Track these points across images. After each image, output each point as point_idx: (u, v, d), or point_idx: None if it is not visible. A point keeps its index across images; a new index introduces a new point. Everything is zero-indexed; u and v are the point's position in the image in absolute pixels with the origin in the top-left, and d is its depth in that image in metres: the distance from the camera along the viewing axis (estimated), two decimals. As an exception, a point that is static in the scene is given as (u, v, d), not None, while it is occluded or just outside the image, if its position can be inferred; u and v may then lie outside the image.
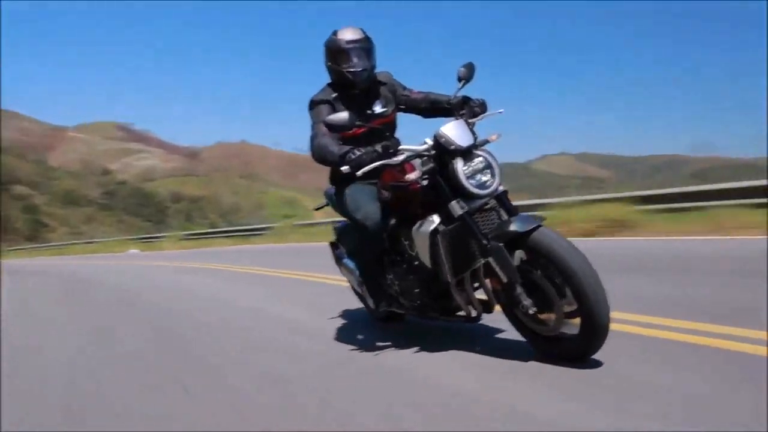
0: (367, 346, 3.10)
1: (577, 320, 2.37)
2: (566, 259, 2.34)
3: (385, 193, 2.93)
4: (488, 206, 2.66)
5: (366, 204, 2.99)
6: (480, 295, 2.78)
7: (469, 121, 2.79)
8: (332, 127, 2.73)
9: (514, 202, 2.72)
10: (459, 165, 2.59)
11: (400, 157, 2.75)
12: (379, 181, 2.95)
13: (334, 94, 3.06)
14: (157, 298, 6.56)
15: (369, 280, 3.19)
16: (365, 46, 3.01)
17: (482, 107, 2.88)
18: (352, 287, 3.64)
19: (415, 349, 2.92)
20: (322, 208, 3.62)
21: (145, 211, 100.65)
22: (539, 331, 2.55)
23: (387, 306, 3.16)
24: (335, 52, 3.01)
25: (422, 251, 2.77)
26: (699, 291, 3.86)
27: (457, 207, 2.59)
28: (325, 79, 3.15)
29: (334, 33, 3.03)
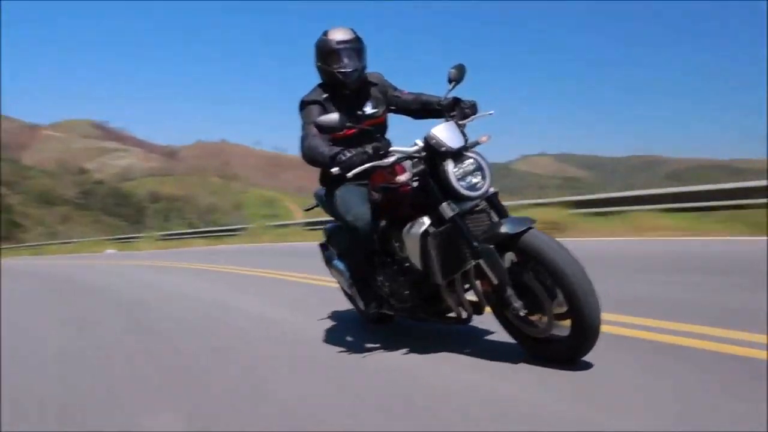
0: (357, 347, 3.09)
1: (568, 322, 2.39)
2: (557, 261, 2.35)
3: (376, 195, 2.92)
4: (479, 208, 2.66)
5: (356, 205, 2.98)
6: (470, 296, 2.78)
7: (460, 122, 2.79)
8: (323, 129, 2.71)
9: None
10: (450, 167, 2.59)
11: (391, 159, 2.74)
12: (369, 182, 2.95)
13: (325, 95, 3.04)
14: (148, 297, 6.48)
15: (359, 282, 3.19)
16: (356, 47, 3.00)
17: (473, 109, 2.89)
18: (342, 288, 3.63)
19: (405, 350, 2.91)
20: (312, 209, 3.60)
21: (123, 211, 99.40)
22: (530, 332, 2.56)
23: (377, 307, 3.15)
24: (326, 53, 2.99)
25: (413, 253, 2.76)
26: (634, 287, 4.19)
27: (447, 209, 2.59)
28: (315, 79, 3.13)
29: (325, 33, 3.02)
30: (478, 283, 2.69)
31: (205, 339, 3.83)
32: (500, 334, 2.77)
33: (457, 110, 2.89)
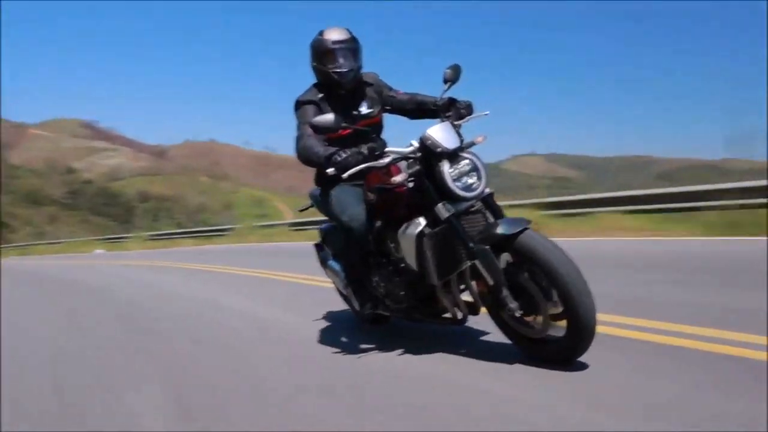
0: (352, 348, 3.08)
1: (563, 322, 2.39)
2: (552, 262, 2.36)
3: (371, 196, 2.91)
4: (474, 209, 2.66)
5: (352, 206, 2.97)
6: (466, 297, 2.78)
7: (455, 123, 2.79)
8: (318, 129, 2.70)
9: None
10: (445, 167, 2.59)
11: (386, 160, 2.74)
12: (365, 183, 2.94)
13: (320, 95, 3.04)
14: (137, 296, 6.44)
15: (354, 282, 3.18)
16: (351, 47, 2.99)
17: (468, 109, 2.89)
18: (337, 289, 3.62)
19: (401, 351, 2.91)
20: (307, 209, 3.58)
21: (112, 210, 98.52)
22: (525, 333, 2.56)
23: (372, 308, 3.14)
24: (321, 53, 2.98)
25: (408, 254, 2.76)
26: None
27: (443, 210, 2.59)
28: (308, 78, 3.15)
29: (320, 33, 3.01)
30: (473, 283, 2.69)
31: (194, 335, 3.81)
32: (496, 335, 2.77)
33: (452, 111, 2.89)
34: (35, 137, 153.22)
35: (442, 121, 2.75)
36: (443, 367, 2.63)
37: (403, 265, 2.85)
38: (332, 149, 2.75)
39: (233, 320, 4.43)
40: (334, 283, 3.61)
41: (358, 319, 3.61)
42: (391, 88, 3.23)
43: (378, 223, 2.96)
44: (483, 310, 2.74)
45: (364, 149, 2.71)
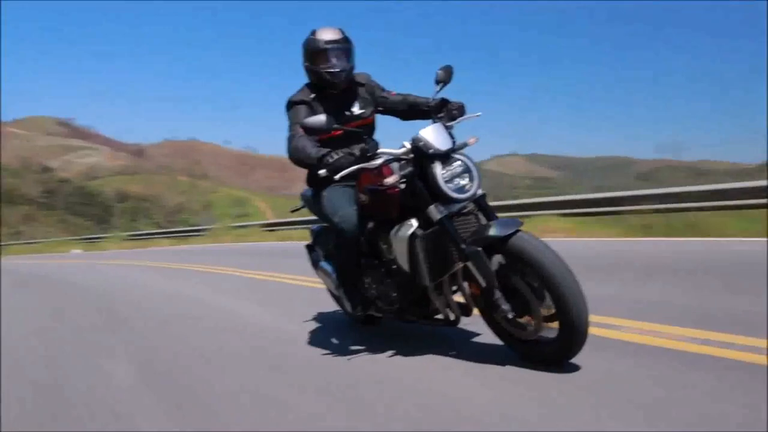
0: (343, 350, 3.07)
1: (556, 324, 2.40)
2: (545, 263, 2.36)
3: (363, 197, 2.90)
4: (467, 210, 2.67)
5: (343, 207, 2.95)
6: (458, 298, 2.78)
7: (448, 124, 2.79)
8: (309, 130, 2.68)
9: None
10: (437, 169, 2.59)
11: (378, 161, 2.73)
12: (356, 184, 2.92)
13: (312, 95, 3.02)
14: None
15: (346, 284, 3.16)
16: (344, 47, 2.98)
17: (460, 110, 2.89)
18: (329, 290, 3.60)
19: (392, 352, 2.91)
20: (298, 210, 3.55)
21: (89, 210, 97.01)
22: (518, 334, 2.56)
23: (364, 309, 3.13)
24: (313, 53, 2.96)
25: (400, 255, 2.75)
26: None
27: (435, 211, 2.59)
28: (296, 78, 3.14)
29: (313, 33, 2.99)
30: (466, 285, 2.69)
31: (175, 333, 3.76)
32: (488, 336, 2.78)
33: (444, 111, 2.89)
34: (9, 135, 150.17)
35: (435, 123, 2.74)
36: (435, 368, 2.63)
37: (395, 266, 2.84)
38: (324, 150, 2.73)
39: (213, 320, 4.38)
40: (325, 284, 3.59)
41: (350, 321, 3.59)
42: (383, 89, 3.22)
43: (370, 225, 2.95)
44: (475, 311, 2.74)
45: (357, 150, 2.70)
